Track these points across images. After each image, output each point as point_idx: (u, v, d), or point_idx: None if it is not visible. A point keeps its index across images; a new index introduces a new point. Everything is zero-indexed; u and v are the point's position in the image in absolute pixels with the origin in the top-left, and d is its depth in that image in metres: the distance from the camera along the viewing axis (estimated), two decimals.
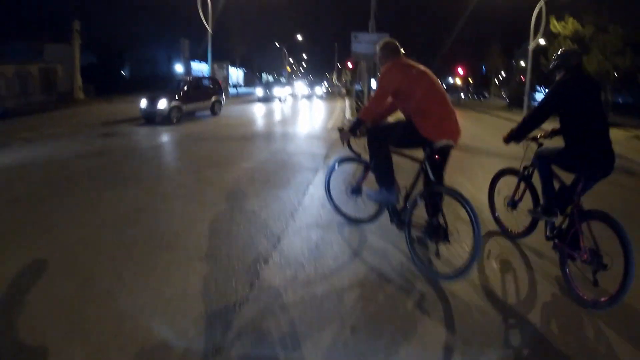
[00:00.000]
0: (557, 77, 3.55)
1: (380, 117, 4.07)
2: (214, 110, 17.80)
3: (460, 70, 52.56)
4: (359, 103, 14.92)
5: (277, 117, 18.33)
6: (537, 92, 37.65)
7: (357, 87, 19.68)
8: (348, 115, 16.43)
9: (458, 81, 77.53)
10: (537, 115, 3.57)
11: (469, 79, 77.02)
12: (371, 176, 4.01)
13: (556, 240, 3.41)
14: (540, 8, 23.27)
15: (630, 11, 25.04)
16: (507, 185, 4.30)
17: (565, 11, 25.69)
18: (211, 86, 18.28)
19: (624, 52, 23.23)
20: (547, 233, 3.58)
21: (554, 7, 24.28)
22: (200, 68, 43.47)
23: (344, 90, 54.10)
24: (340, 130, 3.96)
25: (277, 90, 30.64)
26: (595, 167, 3.22)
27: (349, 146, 4.16)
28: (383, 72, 3.72)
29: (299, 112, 21.33)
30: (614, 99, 31.11)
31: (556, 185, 3.61)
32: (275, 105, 25.48)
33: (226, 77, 36.17)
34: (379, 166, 3.85)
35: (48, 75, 30.44)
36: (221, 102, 18.49)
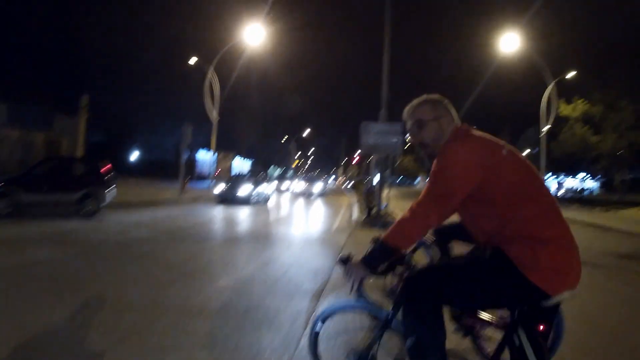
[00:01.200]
0: None
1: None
2: (84, 207, 11.45)
3: None
4: (369, 201, 13.24)
5: (272, 216, 16.65)
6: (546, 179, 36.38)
7: (369, 183, 18.31)
8: (356, 215, 14.72)
9: None
10: None
11: None
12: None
13: None
14: (550, 93, 22.54)
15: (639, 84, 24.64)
16: None
17: (573, 93, 25.45)
18: (83, 173, 12.22)
19: (639, 127, 22.42)
20: None
21: (561, 90, 23.93)
22: (206, 157, 43.02)
23: (349, 186, 53.33)
24: (346, 260, 2.20)
25: (244, 188, 19.95)
26: None
27: (360, 293, 2.79)
28: (447, 154, 1.97)
29: (299, 210, 19.69)
30: (631, 175, 30.02)
31: None
32: (267, 204, 23.71)
33: (229, 168, 35.37)
34: (423, 347, 1.98)
35: (52, 147, 29.88)
36: (99, 199, 11.81)
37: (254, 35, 24.12)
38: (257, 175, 24.34)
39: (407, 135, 2.33)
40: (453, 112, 2.22)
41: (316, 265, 6.90)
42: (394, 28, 15.13)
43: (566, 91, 25.21)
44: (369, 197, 13.23)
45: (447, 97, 2.28)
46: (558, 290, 1.83)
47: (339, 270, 6.29)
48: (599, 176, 25.77)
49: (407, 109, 2.30)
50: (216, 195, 20.21)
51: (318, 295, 5.07)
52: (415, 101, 2.28)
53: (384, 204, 13.51)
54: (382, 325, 2.25)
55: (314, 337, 2.52)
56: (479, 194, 1.94)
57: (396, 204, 15.19)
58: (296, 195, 30.06)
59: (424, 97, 2.28)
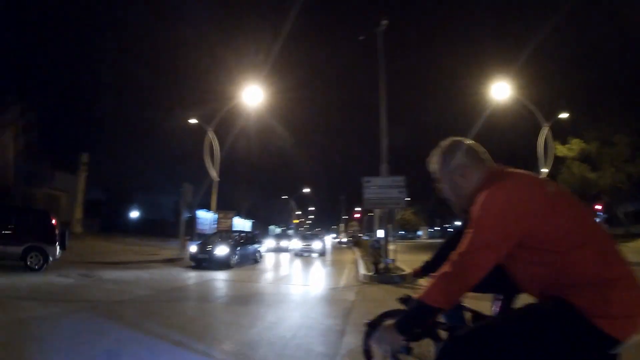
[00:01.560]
0: None
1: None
2: (29, 262, 10.77)
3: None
4: (376, 256, 12.81)
5: (277, 274, 16.14)
6: None
7: (373, 237, 17.89)
8: (362, 270, 14.22)
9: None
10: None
11: None
12: None
13: None
14: (546, 134, 22.71)
15: (631, 117, 24.90)
16: None
17: (568, 133, 25.82)
18: (31, 224, 11.34)
19: (635, 159, 22.63)
20: None
21: (555, 131, 24.22)
22: (207, 217, 42.67)
23: (350, 240, 52.62)
24: (375, 325, 1.93)
25: (219, 250, 16.03)
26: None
27: None
28: (487, 200, 1.71)
29: (303, 268, 19.16)
30: (632, 207, 29.82)
31: None
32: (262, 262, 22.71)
33: (229, 227, 34.88)
34: None
35: (51, 202, 29.63)
36: (48, 253, 11.01)
37: (253, 96, 24.60)
38: (245, 234, 22.25)
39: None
40: (475, 154, 1.99)
41: (326, 325, 6.43)
42: (389, 83, 15.42)
43: (561, 132, 25.69)
44: (375, 253, 12.82)
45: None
46: (629, 335, 1.57)
47: (351, 332, 5.87)
48: (601, 212, 25.62)
49: (428, 161, 2.13)
50: (191, 254, 16.70)
51: (332, 359, 4.63)
52: (433, 152, 2.09)
53: (390, 258, 13.06)
54: None
55: None
56: (528, 240, 1.68)
57: (402, 258, 14.71)
58: (297, 254, 27.84)
59: (438, 148, 2.08)
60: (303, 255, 26.27)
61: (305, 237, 29.49)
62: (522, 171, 1.90)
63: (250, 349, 4.93)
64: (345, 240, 69.96)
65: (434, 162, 2.04)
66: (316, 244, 27.06)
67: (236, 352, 4.77)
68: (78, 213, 28.98)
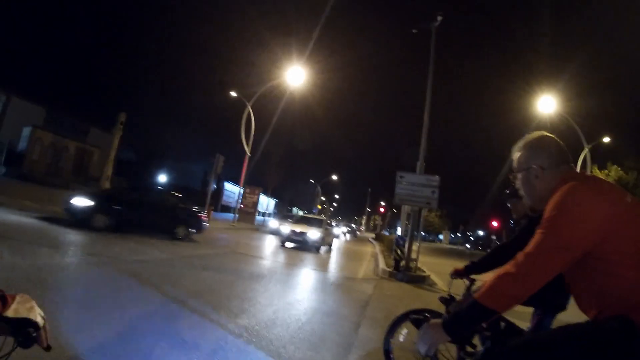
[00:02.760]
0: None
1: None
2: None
3: (494, 223, 51.23)
4: (399, 252, 12.61)
5: (294, 257, 16.13)
6: None
7: (398, 234, 17.63)
8: (382, 264, 14.06)
9: (492, 235, 75.59)
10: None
11: (503, 231, 75.13)
12: None
13: None
14: (585, 156, 21.95)
15: None
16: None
17: (606, 159, 25.05)
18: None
19: None
20: None
21: (594, 155, 23.40)
22: (233, 190, 43.13)
23: (372, 237, 52.39)
24: (420, 322, 1.83)
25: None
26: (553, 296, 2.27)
27: None
28: (564, 200, 1.56)
29: (322, 255, 19.09)
30: None
31: None
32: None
33: (255, 203, 35.19)
34: None
35: (83, 156, 30.45)
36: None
37: (295, 76, 24.45)
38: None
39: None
40: (558, 154, 1.82)
41: (343, 314, 6.33)
42: (436, 84, 14.95)
43: (599, 156, 24.83)
44: (399, 249, 12.61)
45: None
46: None
47: (367, 325, 5.75)
48: None
49: (513, 149, 1.97)
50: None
51: (346, 350, 4.52)
52: (520, 141, 1.94)
53: (413, 257, 12.85)
54: None
55: None
56: (602, 248, 1.53)
57: (422, 259, 14.45)
58: (283, 240, 25.52)
59: (525, 138, 1.94)
60: (291, 243, 18.02)
61: (299, 222, 20.36)
62: (601, 178, 1.75)
63: (265, 327, 4.87)
64: (357, 232, 69.07)
65: (515, 154, 1.91)
66: (313, 233, 17.53)
67: (250, 328, 4.72)
68: (109, 171, 29.60)
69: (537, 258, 1.54)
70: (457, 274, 3.67)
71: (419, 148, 14.16)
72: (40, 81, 32.77)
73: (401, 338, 3.74)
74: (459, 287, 3.44)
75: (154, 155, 44.15)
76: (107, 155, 29.57)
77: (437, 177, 13.00)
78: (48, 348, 1.10)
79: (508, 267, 1.58)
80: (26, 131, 28.83)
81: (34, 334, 1.06)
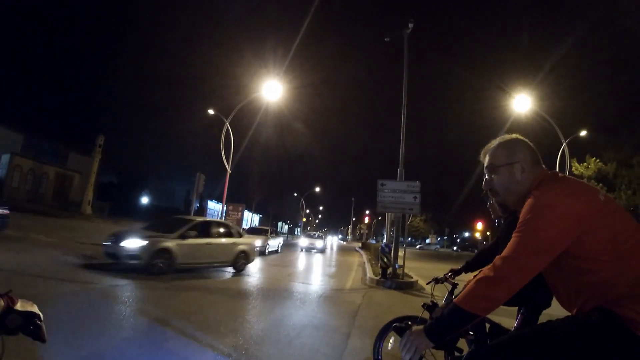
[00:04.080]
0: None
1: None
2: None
3: (479, 225, 51.63)
4: (385, 260, 12.63)
5: (283, 271, 16.06)
6: None
7: (383, 242, 17.71)
8: (369, 273, 14.08)
9: (477, 235, 75.97)
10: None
11: (487, 233, 75.82)
12: None
13: None
14: (563, 151, 22.39)
15: None
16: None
17: (585, 152, 25.52)
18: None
19: None
20: None
21: (573, 149, 23.88)
22: (216, 208, 42.81)
23: (359, 246, 52.42)
24: (402, 330, 1.85)
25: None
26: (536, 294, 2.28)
27: None
28: (539, 202, 1.61)
29: (309, 267, 19.04)
30: None
31: None
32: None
33: (239, 220, 34.94)
34: None
35: (64, 182, 29.96)
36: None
37: (272, 90, 24.49)
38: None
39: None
40: (533, 155, 1.86)
41: (332, 326, 6.32)
42: (412, 89, 15.17)
43: (578, 150, 25.32)
44: (385, 257, 12.65)
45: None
46: None
47: (357, 335, 5.75)
48: None
49: (483, 151, 1.96)
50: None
51: None
52: (491, 143, 1.95)
53: (398, 264, 12.91)
54: None
55: None
56: (579, 248, 1.58)
57: (409, 265, 14.52)
58: (302, 249, 30.50)
59: (499, 139, 1.96)
60: (308, 251, 29.78)
61: (310, 237, 35.11)
62: (573, 178, 1.80)
63: (255, 345, 4.84)
64: (349, 239, 69.75)
65: (492, 152, 1.90)
66: (319, 243, 32.09)
67: (240, 346, 4.68)
68: (89, 194, 29.20)
69: (514, 261, 1.57)
70: (437, 280, 3.72)
71: (398, 154, 14.32)
72: (17, 107, 32.23)
73: (389, 347, 3.77)
74: (444, 292, 3.49)
75: (136, 177, 43.69)
76: (88, 179, 29.20)
77: (417, 183, 13.13)
78: (44, 340, 1.29)
79: (486, 270, 1.62)
80: (5, 158, 28.32)
81: (39, 324, 1.27)
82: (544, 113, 22.77)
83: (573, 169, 24.98)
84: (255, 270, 13.59)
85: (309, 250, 30.39)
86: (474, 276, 1.82)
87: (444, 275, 3.67)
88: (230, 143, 27.10)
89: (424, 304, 3.38)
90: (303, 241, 33.67)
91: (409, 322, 3.20)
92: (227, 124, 26.56)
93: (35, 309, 1.29)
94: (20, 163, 28.56)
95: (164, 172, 49.54)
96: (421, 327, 1.67)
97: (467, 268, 3.62)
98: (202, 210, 39.86)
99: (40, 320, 1.28)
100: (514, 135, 1.93)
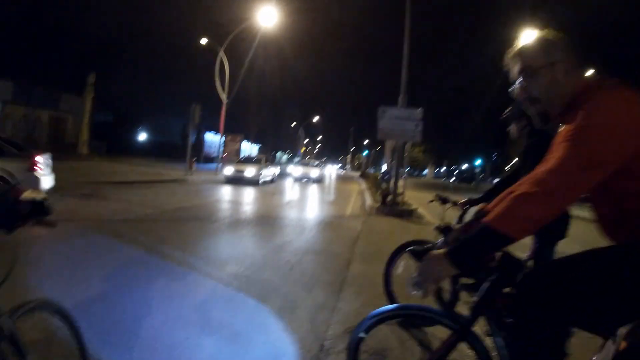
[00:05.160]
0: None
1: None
2: None
3: (478, 160, 51.91)
4: (385, 187, 12.58)
5: (282, 199, 16.08)
6: None
7: (383, 170, 17.64)
8: (369, 201, 14.10)
9: (476, 168, 76.46)
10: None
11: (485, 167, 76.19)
12: None
13: None
14: None
15: None
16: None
17: None
18: None
19: None
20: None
21: None
22: (214, 139, 42.43)
23: (358, 175, 52.70)
24: (420, 254, 1.64)
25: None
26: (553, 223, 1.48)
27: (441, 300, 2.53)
28: (596, 108, 1.35)
29: (308, 195, 19.09)
30: None
31: None
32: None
33: (237, 151, 34.85)
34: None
35: (58, 125, 29.54)
36: None
37: (267, 16, 23.29)
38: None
39: (512, 87, 1.66)
40: (577, 54, 1.56)
41: (332, 252, 6.29)
42: (414, 15, 14.26)
43: None
44: (385, 185, 12.58)
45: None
46: None
47: (357, 261, 5.72)
48: None
49: (510, 53, 1.65)
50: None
51: (338, 287, 4.47)
52: (522, 41, 1.62)
53: (399, 192, 12.87)
54: (456, 337, 1.64)
55: (354, 350, 1.88)
56: (633, 168, 1.34)
57: (409, 194, 14.52)
58: (302, 180, 28.34)
59: (533, 36, 1.63)
60: (302, 181, 27.59)
61: (304, 165, 31.98)
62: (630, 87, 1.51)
63: (255, 272, 4.79)
64: (348, 169, 70.26)
65: (527, 52, 1.59)
66: (314, 172, 29.10)
67: (240, 274, 4.63)
68: (85, 135, 28.78)
69: (563, 175, 1.33)
70: (444, 199, 3.57)
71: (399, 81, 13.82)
72: (4, 54, 30.83)
73: (400, 270, 3.68)
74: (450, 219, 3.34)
75: (131, 113, 42.74)
76: (82, 119, 28.63)
77: (419, 110, 12.78)
78: (55, 225, 1.47)
79: (525, 186, 1.37)
80: None
81: (47, 209, 1.40)
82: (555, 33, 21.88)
83: None
84: (250, 199, 13.59)
85: (303, 180, 28.07)
86: (507, 193, 1.61)
87: (459, 202, 3.49)
88: (225, 73, 26.32)
89: (438, 226, 3.25)
90: (296, 170, 30.04)
91: (429, 245, 3.10)
92: (222, 53, 25.63)
93: (42, 195, 1.40)
94: (11, 111, 27.92)
95: (159, 107, 48.37)
96: (442, 250, 1.46)
97: (485, 197, 3.42)
98: (200, 143, 39.56)
99: (47, 205, 1.41)
100: (551, 32, 1.61)
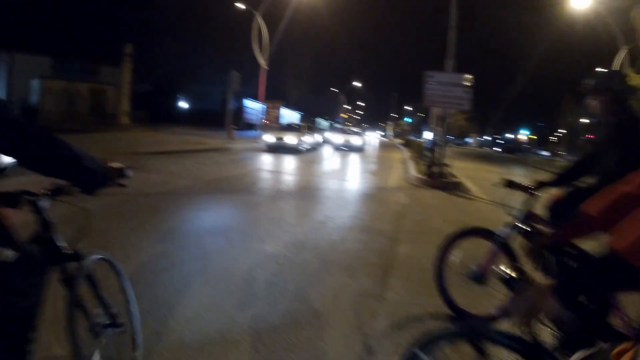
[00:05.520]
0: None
1: None
2: None
3: (524, 130, 49.46)
4: (430, 157, 11.95)
5: (322, 169, 15.72)
6: None
7: (428, 138, 16.87)
8: (413, 171, 13.52)
9: (522, 137, 72.95)
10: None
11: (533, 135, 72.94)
12: None
13: None
14: (622, 59, 20.06)
15: None
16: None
17: None
18: None
19: None
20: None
21: (633, 58, 21.42)
22: (254, 106, 42.31)
23: (400, 142, 51.55)
24: (516, 283, 1.82)
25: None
26: None
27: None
28: None
29: (349, 164, 18.63)
30: None
31: None
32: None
33: (277, 117, 34.55)
34: None
35: (98, 96, 30.22)
36: None
37: None
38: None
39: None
40: None
41: (377, 229, 5.87)
42: None
43: (636, 60, 22.62)
44: (430, 155, 11.96)
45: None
46: None
47: (405, 240, 5.33)
48: None
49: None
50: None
51: (384, 272, 4.10)
52: None
53: (444, 162, 12.23)
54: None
55: None
56: None
57: (453, 164, 13.77)
58: (336, 148, 26.36)
59: None
60: (342, 149, 25.58)
61: (345, 132, 29.36)
62: None
63: (294, 251, 4.49)
64: (390, 136, 68.97)
65: None
66: (355, 140, 26.52)
67: (280, 254, 4.33)
68: (125, 105, 29.34)
69: None
70: (513, 184, 3.09)
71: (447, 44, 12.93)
72: (41, 30, 31.54)
73: (454, 258, 3.28)
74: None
75: (170, 82, 43.18)
76: (122, 90, 29.08)
77: (469, 76, 11.94)
78: (125, 185, 1.74)
79: None
80: (35, 84, 28.40)
81: (127, 174, 1.74)
82: (603, 12, 19.98)
83: (629, 79, 22.42)
84: (290, 168, 13.31)
85: (343, 148, 25.82)
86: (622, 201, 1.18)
87: (527, 185, 3.00)
88: (264, 37, 25.80)
89: (516, 217, 2.84)
90: (337, 138, 27.61)
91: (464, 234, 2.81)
92: (259, 16, 25.07)
93: (120, 164, 1.71)
94: (51, 85, 28.70)
95: (198, 75, 48.52)
96: (547, 283, 1.05)
97: (560, 181, 2.94)
98: (240, 110, 39.51)
99: (126, 171, 1.74)
100: None
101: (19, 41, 29.23)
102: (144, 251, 4.06)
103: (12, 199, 1.52)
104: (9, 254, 1.35)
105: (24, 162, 1.31)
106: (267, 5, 25.21)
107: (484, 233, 3.21)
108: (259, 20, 25.14)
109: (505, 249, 3.00)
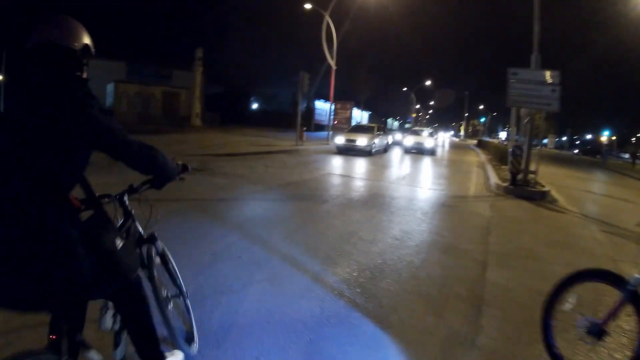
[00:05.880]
0: None
1: None
2: None
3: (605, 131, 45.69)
4: (516, 164, 10.91)
5: (395, 173, 15.04)
6: None
7: (500, 138, 15.68)
8: (494, 178, 12.51)
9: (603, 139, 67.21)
10: None
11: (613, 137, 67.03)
12: None
13: None
14: None
15: None
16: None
17: None
18: None
19: None
20: None
21: None
22: (324, 107, 42.22)
23: (474, 143, 49.24)
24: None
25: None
26: None
27: None
28: None
29: (424, 168, 17.75)
30: None
31: None
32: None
33: (348, 118, 34.16)
34: None
35: (170, 99, 31.53)
36: None
37: None
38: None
39: None
40: None
41: (462, 249, 5.23)
42: None
43: None
44: (515, 161, 10.92)
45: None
46: None
47: (495, 265, 4.67)
48: None
49: None
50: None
51: (475, 308, 3.51)
52: None
53: (531, 169, 11.14)
54: None
55: None
56: None
57: (544, 171, 12.53)
58: (407, 150, 23.98)
59: None
60: (412, 152, 23.49)
61: (416, 134, 26.37)
62: None
63: (370, 277, 4.00)
64: (461, 136, 66.24)
65: None
66: (428, 142, 23.70)
67: (352, 280, 3.87)
68: (197, 107, 30.35)
69: None
70: None
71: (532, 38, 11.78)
72: (116, 37, 33.56)
73: (568, 305, 2.66)
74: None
75: (240, 84, 44.25)
76: (194, 93, 30.11)
77: (556, 72, 10.78)
78: (183, 178, 2.18)
79: None
80: (110, 87, 30.11)
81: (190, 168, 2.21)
82: None
83: None
84: (362, 173, 12.79)
85: (414, 151, 23.50)
86: None
87: None
88: (332, 39, 25.49)
89: None
90: (407, 140, 24.84)
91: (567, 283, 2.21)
92: (327, 17, 24.77)
93: (183, 161, 2.18)
94: (125, 89, 30.36)
95: (268, 76, 49.37)
96: None
97: None
98: (310, 111, 39.55)
99: (188, 166, 2.23)
100: None
101: (96, 48, 31.23)
102: (192, 270, 3.76)
103: (98, 200, 1.83)
104: (118, 242, 1.65)
105: (132, 165, 1.72)
106: (336, 5, 24.86)
107: (610, 278, 2.56)
108: (328, 21, 24.87)
109: (636, 301, 2.38)
